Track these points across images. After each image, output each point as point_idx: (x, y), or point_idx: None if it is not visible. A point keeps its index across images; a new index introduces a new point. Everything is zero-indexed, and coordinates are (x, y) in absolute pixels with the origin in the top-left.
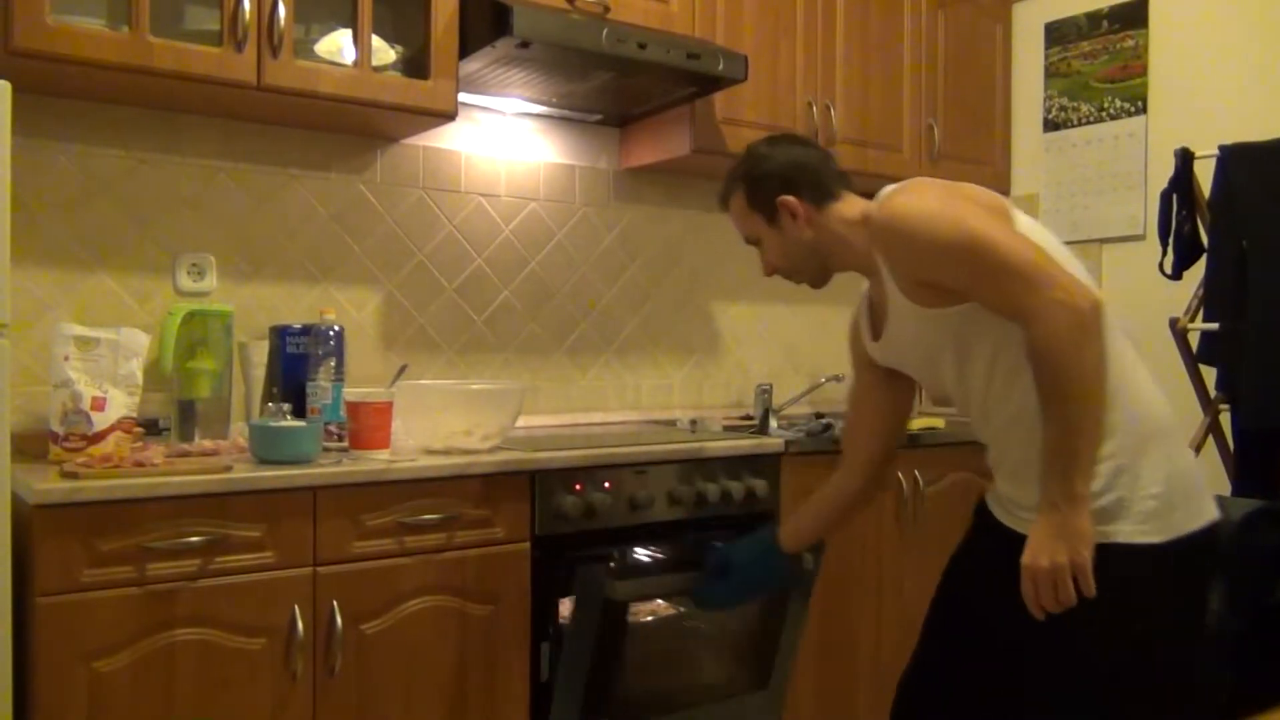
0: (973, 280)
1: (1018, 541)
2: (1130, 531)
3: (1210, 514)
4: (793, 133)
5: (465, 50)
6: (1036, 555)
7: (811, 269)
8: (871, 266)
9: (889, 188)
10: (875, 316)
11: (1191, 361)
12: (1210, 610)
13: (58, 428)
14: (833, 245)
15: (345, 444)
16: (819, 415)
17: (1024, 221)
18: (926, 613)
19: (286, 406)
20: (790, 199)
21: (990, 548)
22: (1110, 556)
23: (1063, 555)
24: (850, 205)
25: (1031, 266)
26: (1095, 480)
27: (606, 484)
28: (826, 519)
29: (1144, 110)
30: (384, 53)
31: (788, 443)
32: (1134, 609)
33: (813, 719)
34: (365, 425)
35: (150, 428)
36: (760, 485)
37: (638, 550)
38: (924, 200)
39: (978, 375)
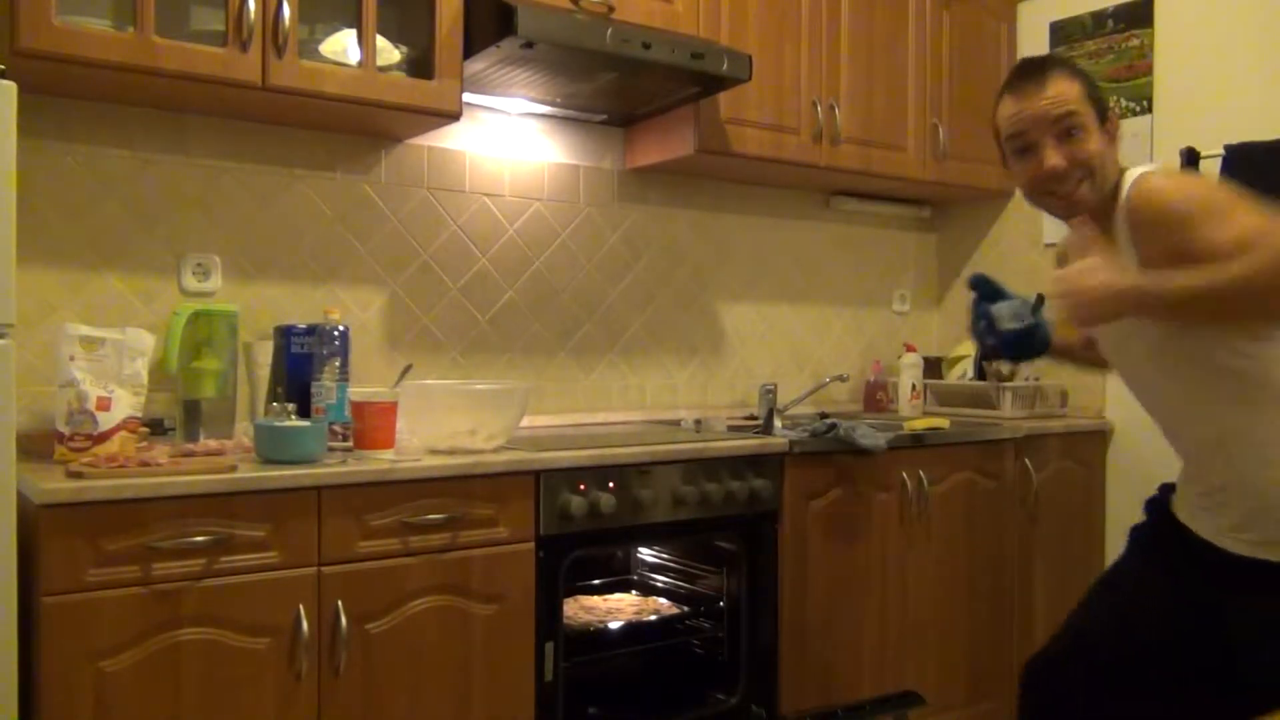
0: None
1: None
2: None
3: None
4: None
5: (470, 50)
6: (1083, 272)
7: (1099, 185)
8: (1102, 215)
9: (1138, 169)
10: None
11: None
12: None
13: (63, 427)
14: (1109, 173)
15: (350, 444)
16: (823, 415)
17: None
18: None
19: (291, 406)
20: (1116, 117)
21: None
22: None
23: (1098, 280)
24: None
25: (1260, 229)
26: None
27: (611, 484)
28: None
29: (1149, 110)
30: (388, 53)
31: (792, 443)
32: None
33: (819, 714)
34: (370, 425)
35: (155, 427)
36: (764, 485)
37: (643, 551)
38: (1183, 183)
39: (1173, 394)
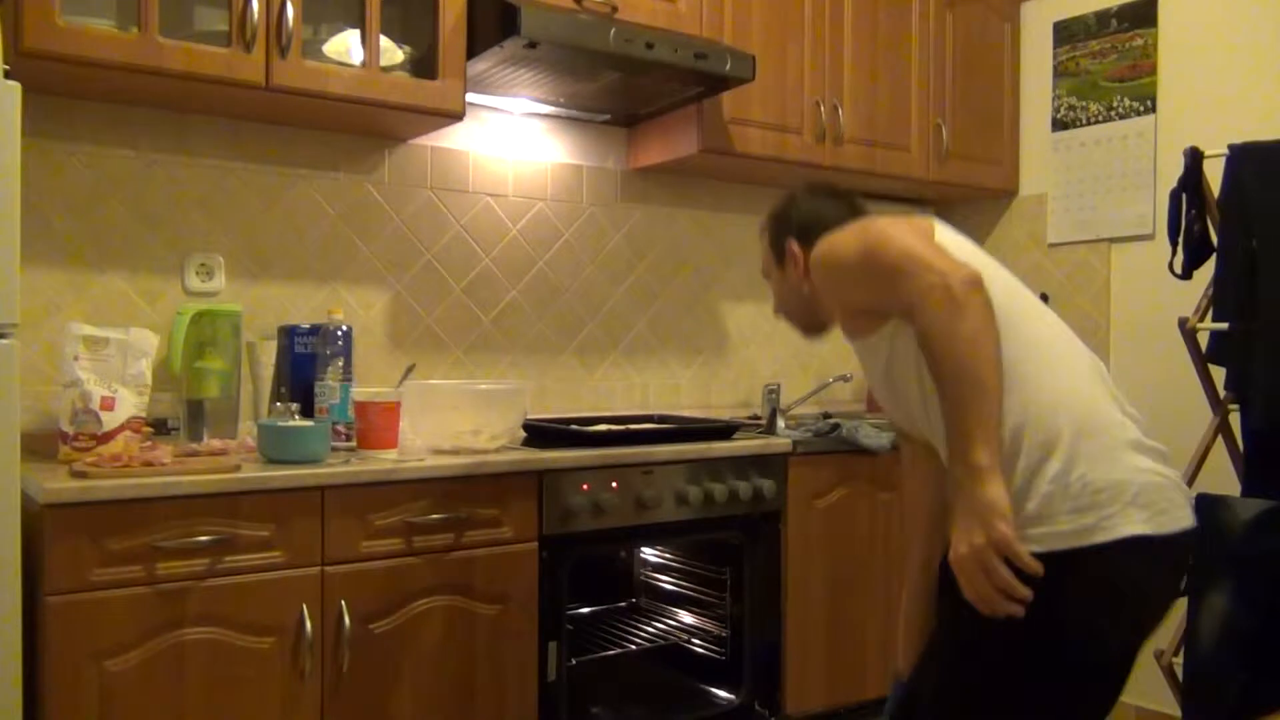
0: (874, 290)
1: None
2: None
3: (1117, 531)
4: (837, 186)
5: (473, 50)
6: (957, 544)
7: (802, 318)
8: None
9: None
10: None
11: (1201, 361)
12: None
13: (67, 427)
14: (802, 304)
15: (353, 444)
16: (826, 415)
17: (949, 236)
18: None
19: (295, 406)
20: (795, 245)
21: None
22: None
23: (979, 535)
24: None
25: (908, 256)
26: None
27: (614, 484)
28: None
29: (1153, 109)
30: (392, 53)
31: (795, 443)
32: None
33: (822, 714)
34: (373, 425)
35: (159, 427)
36: (768, 485)
37: (647, 550)
38: (840, 233)
39: (912, 391)
